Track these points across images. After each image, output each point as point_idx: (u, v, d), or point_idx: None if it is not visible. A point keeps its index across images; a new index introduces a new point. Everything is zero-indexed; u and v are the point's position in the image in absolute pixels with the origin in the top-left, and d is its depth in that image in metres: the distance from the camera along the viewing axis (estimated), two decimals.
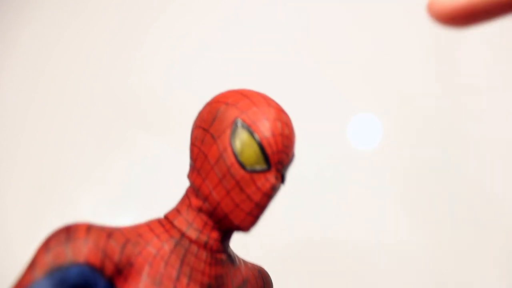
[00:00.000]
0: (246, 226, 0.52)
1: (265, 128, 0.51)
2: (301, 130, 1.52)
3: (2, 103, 1.57)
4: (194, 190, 0.55)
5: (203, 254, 0.53)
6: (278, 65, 1.56)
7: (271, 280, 0.67)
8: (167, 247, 0.51)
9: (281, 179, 0.55)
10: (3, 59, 1.59)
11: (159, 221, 0.55)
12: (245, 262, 0.63)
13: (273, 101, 0.55)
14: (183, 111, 1.51)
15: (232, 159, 0.51)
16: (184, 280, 0.50)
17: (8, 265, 1.48)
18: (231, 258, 0.59)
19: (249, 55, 1.55)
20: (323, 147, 1.52)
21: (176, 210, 0.55)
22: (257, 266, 0.66)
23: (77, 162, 1.52)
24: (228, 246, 0.58)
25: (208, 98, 1.43)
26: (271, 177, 0.52)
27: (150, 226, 0.54)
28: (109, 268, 0.47)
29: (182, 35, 1.59)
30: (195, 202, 0.54)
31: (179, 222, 0.54)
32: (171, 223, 0.54)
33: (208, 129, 0.53)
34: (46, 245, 0.46)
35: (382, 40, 1.56)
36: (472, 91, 1.53)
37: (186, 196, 0.56)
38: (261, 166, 0.51)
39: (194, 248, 0.53)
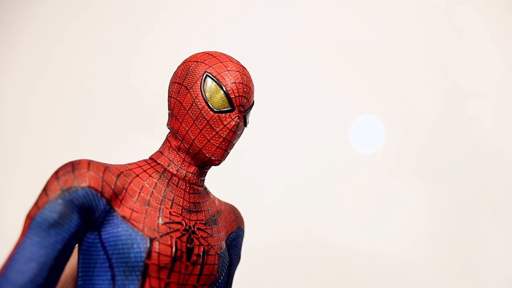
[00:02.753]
0: (217, 157, 0.65)
1: (228, 78, 0.65)
2: (303, 132, 1.52)
3: (2, 103, 1.57)
4: (173, 134, 0.68)
5: (183, 185, 0.66)
6: (281, 67, 1.56)
7: (242, 217, 0.79)
8: (153, 178, 0.64)
9: (244, 121, 0.68)
10: (5, 58, 1.59)
11: (145, 160, 0.67)
12: (219, 200, 0.77)
13: (234, 58, 0.69)
14: None
15: (203, 103, 0.64)
16: (168, 203, 0.63)
17: None
18: (207, 191, 0.72)
19: (251, 56, 1.55)
20: (326, 149, 1.52)
21: (159, 152, 0.68)
22: (229, 203, 0.79)
23: None
24: (203, 181, 0.70)
25: None
26: (235, 116, 0.65)
27: (138, 164, 0.66)
28: (107, 192, 0.58)
29: (183, 35, 1.59)
30: (174, 143, 0.67)
31: (162, 160, 0.67)
32: (155, 161, 0.67)
33: (182, 82, 0.67)
34: (56, 175, 0.57)
35: (386, 43, 1.57)
36: (476, 96, 1.53)
37: (167, 140, 0.69)
38: (226, 108, 0.64)
39: (175, 179, 0.65)
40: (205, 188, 0.71)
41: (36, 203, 0.55)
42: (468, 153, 1.49)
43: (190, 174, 0.66)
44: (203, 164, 0.67)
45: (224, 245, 0.71)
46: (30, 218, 0.54)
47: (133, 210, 0.59)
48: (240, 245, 0.79)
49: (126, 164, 0.65)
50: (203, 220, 0.67)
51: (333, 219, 1.48)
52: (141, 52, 1.61)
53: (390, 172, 1.50)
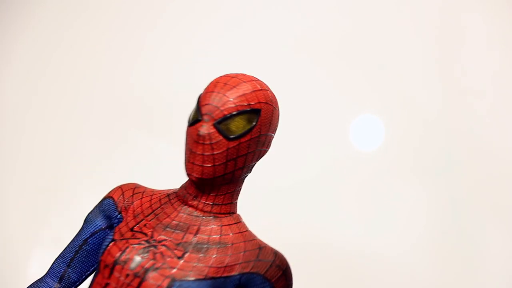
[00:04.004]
0: (189, 172, 0.64)
1: (204, 90, 0.65)
2: (303, 131, 1.52)
3: (3, 103, 1.58)
4: None
5: (178, 205, 0.67)
6: (280, 66, 1.56)
7: (275, 264, 0.66)
8: (161, 197, 0.70)
9: (220, 132, 0.62)
10: (5, 59, 1.59)
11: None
12: (249, 236, 0.66)
13: (234, 74, 0.66)
14: (185, 111, 1.51)
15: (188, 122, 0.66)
16: (151, 217, 0.67)
17: (8, 264, 1.48)
18: (215, 219, 0.65)
19: (250, 55, 1.56)
20: (325, 148, 1.52)
21: None
22: (268, 247, 0.67)
23: (78, 162, 1.53)
24: (211, 206, 0.65)
25: None
26: (199, 126, 0.62)
27: (168, 190, 0.71)
28: (120, 203, 0.72)
29: (184, 35, 1.59)
30: None
31: (183, 184, 0.70)
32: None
33: None
34: None
35: (385, 42, 1.56)
36: (475, 93, 1.53)
37: None
38: (195, 119, 0.64)
39: (175, 200, 0.68)
40: (216, 217, 0.66)
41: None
42: (468, 151, 1.49)
43: (188, 195, 0.67)
44: (195, 184, 0.65)
45: (206, 282, 0.61)
46: None
47: (126, 219, 0.68)
48: None
49: (161, 190, 0.73)
50: (177, 240, 0.64)
51: (333, 219, 1.48)
52: (142, 52, 1.61)
53: (390, 171, 1.50)
